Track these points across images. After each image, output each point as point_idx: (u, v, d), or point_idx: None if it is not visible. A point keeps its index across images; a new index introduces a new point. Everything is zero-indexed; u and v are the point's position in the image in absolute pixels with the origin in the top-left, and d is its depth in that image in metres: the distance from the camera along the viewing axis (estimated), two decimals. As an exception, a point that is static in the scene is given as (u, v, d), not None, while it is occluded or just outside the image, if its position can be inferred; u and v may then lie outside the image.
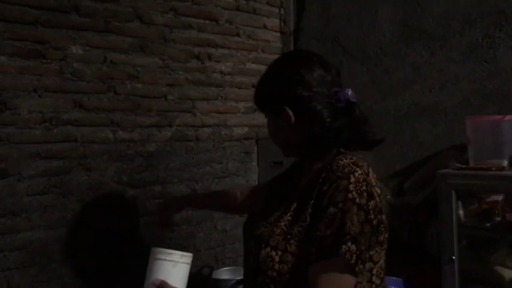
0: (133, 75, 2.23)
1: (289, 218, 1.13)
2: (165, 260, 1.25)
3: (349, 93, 1.15)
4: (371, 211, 1.03)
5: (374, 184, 1.07)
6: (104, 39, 2.15)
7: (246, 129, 2.69)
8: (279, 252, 1.08)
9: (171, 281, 1.20)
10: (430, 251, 2.10)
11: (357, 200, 1.02)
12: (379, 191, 1.09)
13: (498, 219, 1.83)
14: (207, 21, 2.52)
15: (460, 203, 1.87)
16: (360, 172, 1.06)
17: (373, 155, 2.40)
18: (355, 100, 1.16)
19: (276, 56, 2.82)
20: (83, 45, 2.08)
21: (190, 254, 1.25)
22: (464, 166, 1.88)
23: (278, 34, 2.88)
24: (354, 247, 1.00)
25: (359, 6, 2.61)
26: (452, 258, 1.81)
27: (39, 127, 1.97)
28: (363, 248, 1.02)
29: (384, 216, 1.08)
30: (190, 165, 2.43)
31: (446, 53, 2.24)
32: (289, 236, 1.08)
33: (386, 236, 1.10)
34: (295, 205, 1.15)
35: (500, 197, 1.85)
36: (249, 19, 2.72)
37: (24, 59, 1.93)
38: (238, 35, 2.66)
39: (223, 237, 2.55)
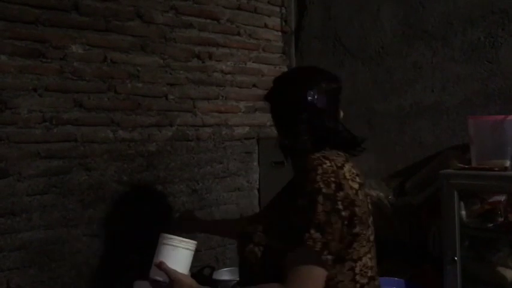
0: (133, 75, 2.22)
1: (271, 215, 1.23)
2: (166, 244, 1.37)
3: (314, 95, 1.26)
4: (339, 202, 1.06)
5: (348, 177, 1.10)
6: (104, 38, 2.14)
7: (247, 128, 2.68)
8: (261, 248, 1.13)
9: (169, 263, 1.32)
10: (432, 252, 2.09)
11: (323, 190, 1.05)
12: (356, 186, 1.10)
13: (500, 219, 1.82)
14: (208, 21, 2.51)
15: (462, 203, 1.86)
16: (328, 164, 1.09)
17: (375, 155, 2.39)
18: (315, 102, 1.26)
19: (277, 55, 2.85)
20: (83, 44, 2.08)
21: (191, 241, 1.37)
22: (466, 166, 1.87)
23: (279, 33, 2.88)
24: (318, 235, 1.03)
25: (360, 5, 2.60)
26: (455, 259, 1.80)
27: (39, 126, 1.96)
28: (330, 237, 1.04)
29: (357, 209, 1.09)
30: (190, 165, 2.43)
31: (448, 52, 2.23)
32: (270, 232, 1.14)
33: (364, 231, 1.12)
34: (276, 202, 1.27)
35: (502, 198, 1.84)
36: (250, 18, 2.71)
37: (24, 58, 1.92)
38: (239, 34, 2.65)
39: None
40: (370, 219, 1.17)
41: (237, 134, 2.63)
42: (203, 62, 2.49)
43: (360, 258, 1.11)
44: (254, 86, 2.72)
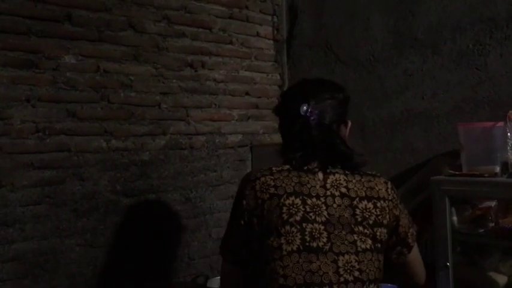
0: (126, 84, 2.23)
1: None
2: None
3: (305, 109, 1.31)
4: (237, 210, 1.26)
5: (258, 189, 1.23)
6: (97, 48, 2.15)
7: (240, 136, 2.69)
8: None
9: None
10: (424, 257, 2.10)
11: (235, 201, 1.30)
12: (265, 196, 1.22)
13: (491, 225, 1.83)
14: (200, 30, 2.53)
15: (453, 209, 1.88)
16: (243, 178, 1.30)
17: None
18: (303, 113, 1.31)
19: (269, 64, 2.87)
20: (76, 54, 2.08)
21: None
22: (457, 172, 1.89)
23: (271, 42, 2.90)
24: (223, 238, 1.34)
25: (351, 14, 2.63)
26: (447, 264, 1.82)
27: (32, 137, 1.96)
28: (227, 238, 1.32)
29: (256, 219, 1.22)
30: (184, 174, 2.43)
31: (438, 60, 2.26)
32: None
33: (270, 239, 1.19)
34: None
35: (493, 203, 1.85)
36: (242, 27, 2.73)
37: (17, 69, 1.93)
38: (231, 42, 2.67)
39: (218, 245, 2.53)
40: (289, 228, 1.18)
41: (230, 142, 2.64)
42: (196, 71, 2.50)
43: (267, 263, 1.18)
44: (247, 94, 2.73)
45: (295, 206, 1.19)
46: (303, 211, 1.19)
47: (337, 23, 2.70)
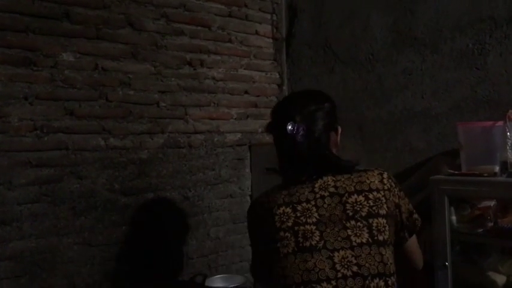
0: (125, 82, 2.22)
1: None
2: None
3: (288, 127, 1.34)
4: (250, 233, 1.42)
5: (258, 207, 1.37)
6: (95, 46, 2.14)
7: (239, 135, 2.68)
8: None
9: None
10: (423, 257, 2.10)
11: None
12: (261, 211, 1.34)
13: (490, 224, 1.83)
14: (199, 28, 2.52)
15: (452, 209, 1.88)
16: (249, 205, 1.46)
17: (366, 161, 2.41)
18: (290, 132, 1.34)
19: (268, 62, 2.86)
20: (74, 52, 2.08)
21: None
22: (456, 172, 1.89)
23: (270, 40, 2.89)
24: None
25: (350, 12, 2.62)
26: (445, 264, 1.82)
27: (30, 135, 1.96)
28: (253, 263, 1.46)
29: (258, 231, 1.36)
30: (182, 172, 2.42)
31: (438, 59, 2.26)
32: None
33: (272, 245, 1.28)
34: None
35: (492, 203, 1.85)
36: (241, 25, 2.72)
37: (14, 67, 1.92)
38: (230, 41, 2.66)
39: (217, 244, 2.54)
40: (283, 234, 1.27)
41: (229, 141, 2.63)
42: (194, 69, 2.49)
43: (272, 266, 1.27)
44: (246, 92, 2.73)
45: (286, 214, 1.28)
46: (293, 217, 1.27)
47: (336, 21, 2.69)
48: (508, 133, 1.76)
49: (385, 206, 1.28)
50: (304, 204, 1.28)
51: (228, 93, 2.64)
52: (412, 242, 1.44)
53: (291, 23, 2.93)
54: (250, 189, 2.71)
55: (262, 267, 1.36)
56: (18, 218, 1.92)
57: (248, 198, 2.71)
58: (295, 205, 1.29)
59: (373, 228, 1.24)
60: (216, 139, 2.57)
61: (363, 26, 2.56)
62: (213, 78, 2.57)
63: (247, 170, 2.72)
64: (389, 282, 1.22)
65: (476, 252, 1.90)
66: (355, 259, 1.20)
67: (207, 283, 2.24)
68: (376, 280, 1.20)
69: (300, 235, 1.24)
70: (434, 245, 1.87)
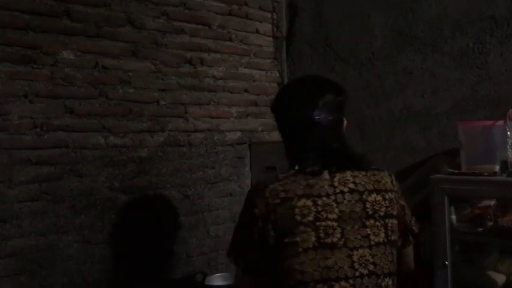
0: (125, 80, 2.22)
1: None
2: None
3: (321, 116, 1.31)
4: (249, 218, 1.26)
5: (268, 196, 1.23)
6: (96, 44, 2.13)
7: (239, 134, 2.68)
8: None
9: None
10: (423, 256, 2.10)
11: (242, 209, 1.31)
12: (276, 201, 1.22)
13: (490, 224, 1.83)
14: (200, 26, 2.52)
15: (452, 208, 1.87)
16: (251, 189, 1.32)
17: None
18: (317, 118, 1.31)
19: (269, 61, 2.86)
20: (75, 50, 2.07)
21: None
22: (456, 171, 1.89)
23: (270, 39, 2.89)
24: (230, 246, 1.33)
25: (351, 11, 2.62)
26: (445, 263, 1.82)
27: (30, 133, 1.95)
28: (236, 246, 1.31)
29: (271, 224, 1.22)
30: (182, 171, 2.42)
31: (438, 58, 2.25)
32: None
33: (288, 238, 1.20)
34: None
35: (492, 202, 1.85)
36: (241, 24, 2.72)
37: (15, 65, 1.92)
38: (230, 39, 2.66)
39: (216, 242, 2.54)
40: (304, 228, 1.21)
41: (228, 139, 2.63)
42: (195, 68, 2.49)
43: (284, 259, 1.20)
44: (246, 91, 2.73)
45: (306, 208, 1.21)
46: (314, 211, 1.21)
47: (336, 20, 2.69)
48: (508, 132, 1.76)
49: (395, 207, 1.30)
50: (324, 199, 1.23)
51: (228, 92, 2.64)
52: (412, 246, 1.45)
53: (291, 21, 2.92)
54: (249, 188, 2.71)
55: (258, 261, 1.27)
56: (18, 216, 1.91)
57: (248, 196, 2.70)
58: (316, 198, 1.22)
59: (388, 228, 1.26)
60: (216, 137, 2.57)
61: (363, 24, 2.55)
62: (213, 76, 2.57)
63: (247, 168, 2.72)
64: (395, 281, 1.26)
65: (476, 251, 1.90)
66: (372, 258, 1.21)
67: (207, 281, 2.25)
68: (387, 279, 1.22)
69: (321, 231, 1.20)
70: (434, 244, 1.87)
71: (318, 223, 1.20)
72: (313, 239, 1.19)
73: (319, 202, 1.22)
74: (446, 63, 2.23)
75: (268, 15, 2.88)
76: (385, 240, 1.25)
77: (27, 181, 1.94)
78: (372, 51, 2.52)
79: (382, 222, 1.25)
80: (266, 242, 1.22)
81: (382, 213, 1.26)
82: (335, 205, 1.22)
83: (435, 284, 1.85)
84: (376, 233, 1.23)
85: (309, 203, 1.22)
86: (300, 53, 2.88)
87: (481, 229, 1.83)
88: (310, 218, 1.20)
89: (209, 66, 2.55)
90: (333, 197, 1.23)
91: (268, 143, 2.75)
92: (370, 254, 1.21)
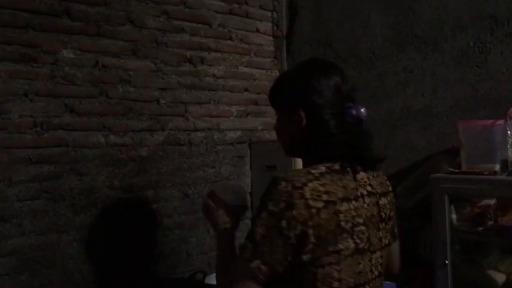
0: (125, 79, 2.22)
1: None
2: None
3: (362, 111, 1.21)
4: (283, 220, 1.06)
5: (309, 197, 1.07)
6: (96, 43, 2.13)
7: (239, 133, 2.68)
8: None
9: None
10: (423, 255, 2.10)
11: (270, 207, 1.08)
12: (319, 205, 1.08)
13: (490, 223, 1.83)
14: (200, 25, 2.51)
15: (452, 207, 1.88)
16: (283, 185, 1.09)
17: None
18: (365, 118, 1.22)
19: (269, 60, 2.86)
20: (75, 49, 2.07)
21: None
22: (456, 170, 1.89)
23: (271, 38, 2.88)
24: (250, 245, 1.08)
25: (351, 10, 2.62)
26: (445, 262, 1.82)
27: (30, 132, 1.95)
28: (265, 249, 1.07)
29: (311, 230, 1.07)
30: (182, 170, 2.42)
31: (438, 57, 2.25)
32: None
33: (330, 247, 1.10)
34: None
35: (492, 201, 1.85)
36: (241, 23, 2.72)
37: (15, 63, 1.91)
38: (230, 38, 2.66)
39: (217, 241, 2.53)
40: (346, 235, 1.12)
41: (229, 138, 2.63)
42: (195, 67, 2.49)
43: (322, 266, 1.09)
44: (246, 90, 2.73)
45: (348, 212, 1.13)
46: (351, 216, 1.14)
47: (337, 19, 2.69)
48: (509, 131, 1.76)
49: (393, 208, 1.31)
50: (354, 202, 1.15)
51: (228, 91, 2.64)
52: (397, 247, 1.42)
53: (292, 20, 2.92)
54: (250, 187, 2.72)
55: (284, 266, 1.08)
56: (18, 215, 1.91)
57: (248, 195, 2.70)
58: (352, 202, 1.15)
59: (390, 230, 1.28)
60: (216, 136, 2.57)
61: (364, 23, 2.55)
62: (214, 75, 2.57)
63: (247, 167, 2.72)
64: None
65: (476, 250, 1.90)
66: (381, 259, 1.22)
67: (207, 280, 2.24)
68: (381, 279, 1.23)
69: (355, 236, 1.14)
70: (434, 243, 1.87)
71: (355, 228, 1.14)
72: (352, 245, 1.13)
73: (352, 205, 1.15)
74: (446, 63, 2.23)
75: (269, 14, 2.88)
76: (388, 242, 1.26)
77: (27, 180, 1.94)
78: (372, 51, 2.52)
79: (388, 224, 1.26)
80: (302, 249, 1.07)
81: (388, 216, 1.26)
82: (362, 209, 1.17)
83: (435, 283, 1.85)
84: (385, 236, 1.24)
85: (350, 207, 1.14)
86: (300, 52, 2.88)
87: (481, 228, 1.84)
88: (350, 224, 1.13)
89: (209, 65, 2.55)
90: (360, 200, 1.18)
91: (268, 142, 2.75)
92: (381, 256, 1.21)
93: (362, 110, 1.21)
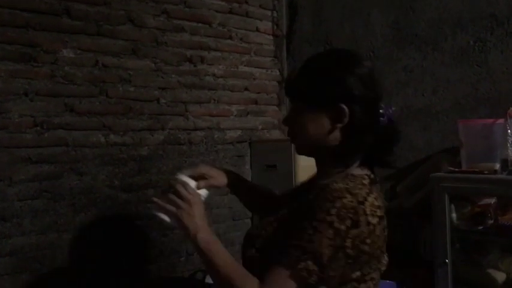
0: (125, 79, 2.22)
1: (275, 224, 1.15)
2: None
3: (391, 111, 1.13)
4: (349, 239, 0.98)
5: (368, 213, 1.00)
6: (96, 42, 2.13)
7: (239, 132, 2.68)
8: (261, 255, 1.10)
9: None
10: (423, 254, 2.11)
11: (335, 224, 0.97)
12: (375, 221, 1.01)
13: (490, 222, 1.83)
14: (200, 24, 2.51)
15: (452, 206, 1.88)
16: (349, 199, 1.00)
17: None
18: (393, 119, 1.14)
19: (269, 59, 2.85)
20: (75, 48, 2.07)
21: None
22: (456, 169, 1.89)
23: (271, 37, 2.88)
24: (315, 268, 0.97)
25: (351, 9, 2.62)
26: (445, 261, 1.82)
27: (30, 131, 1.95)
28: (333, 274, 0.98)
29: (367, 247, 1.01)
30: (183, 169, 2.41)
31: (438, 56, 2.25)
32: (271, 242, 1.10)
33: (376, 264, 1.06)
34: (283, 212, 1.17)
35: (492, 200, 1.85)
36: (241, 22, 2.71)
37: (15, 63, 1.91)
38: (230, 37, 2.65)
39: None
40: (383, 250, 1.09)
41: (229, 138, 2.63)
42: (195, 66, 2.49)
43: (364, 282, 1.05)
44: (246, 89, 2.72)
45: (386, 227, 1.08)
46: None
47: (337, 18, 2.69)
48: (509, 130, 1.77)
49: None
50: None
51: (228, 90, 2.64)
52: None
53: (292, 19, 2.92)
54: (250, 186, 2.71)
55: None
56: (18, 214, 1.91)
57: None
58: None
59: None
60: (216, 136, 2.57)
61: (364, 23, 2.55)
62: (214, 75, 2.57)
63: (247, 166, 2.72)
64: None
65: (476, 249, 1.90)
66: None
67: (207, 280, 2.25)
68: None
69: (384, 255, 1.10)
70: (435, 242, 1.87)
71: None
72: (387, 259, 1.11)
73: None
74: (446, 62, 2.23)
75: (269, 13, 2.88)
76: None
77: (27, 179, 1.94)
78: (372, 50, 2.52)
79: None
80: (355, 267, 1.02)
81: None
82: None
83: (435, 282, 1.85)
84: None
85: (385, 220, 1.07)
86: (300, 51, 2.88)
87: (481, 227, 1.84)
88: (386, 238, 1.09)
89: (209, 65, 2.55)
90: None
91: (268, 141, 2.75)
92: None
93: (391, 110, 1.13)
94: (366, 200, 1.01)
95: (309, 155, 1.19)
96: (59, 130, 2.03)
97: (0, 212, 1.87)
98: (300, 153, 1.20)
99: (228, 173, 1.43)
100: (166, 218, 1.20)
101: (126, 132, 2.22)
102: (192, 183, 1.21)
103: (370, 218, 1.00)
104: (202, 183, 1.26)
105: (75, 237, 2.06)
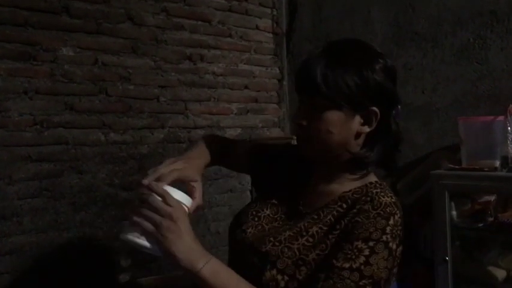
0: (125, 77, 2.22)
1: (305, 242, 0.99)
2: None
3: (399, 111, 1.07)
4: (397, 258, 0.93)
5: (401, 227, 0.96)
6: (95, 40, 2.13)
7: (239, 130, 2.68)
8: (285, 278, 0.96)
9: None
10: (423, 252, 2.10)
11: (390, 244, 0.91)
12: (402, 234, 0.97)
13: (491, 219, 1.83)
14: (199, 22, 2.51)
15: (453, 204, 1.88)
16: (399, 215, 0.95)
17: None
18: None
19: (269, 57, 2.85)
20: (74, 46, 2.07)
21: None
22: (457, 167, 1.89)
23: (270, 35, 2.88)
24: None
25: (351, 7, 2.61)
26: (446, 259, 1.82)
27: (30, 130, 1.95)
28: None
29: (396, 263, 0.95)
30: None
31: (438, 54, 2.25)
32: (301, 262, 0.96)
33: (391, 279, 0.99)
34: (314, 229, 1.00)
35: (492, 198, 1.85)
36: (241, 20, 2.71)
37: (14, 61, 1.91)
38: (230, 36, 2.65)
39: (217, 239, 2.54)
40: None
41: (229, 136, 2.62)
42: (195, 64, 2.48)
43: None
44: (246, 87, 2.72)
45: None
46: None
47: (337, 16, 2.68)
48: (509, 128, 1.76)
49: None
50: None
51: (228, 88, 2.63)
52: None
53: (292, 17, 2.92)
54: (250, 184, 2.71)
55: None
56: (18, 213, 1.92)
57: (248, 193, 2.71)
58: None
59: None
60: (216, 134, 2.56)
61: (364, 20, 2.55)
62: (213, 73, 2.56)
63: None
64: None
65: (476, 247, 1.90)
66: None
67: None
68: None
69: None
70: (435, 239, 1.87)
71: None
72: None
73: None
74: (446, 59, 2.23)
75: (268, 11, 2.87)
76: None
77: (27, 178, 1.94)
78: (372, 47, 2.51)
79: None
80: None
81: None
82: None
83: (436, 279, 1.85)
84: None
85: None
86: (300, 49, 2.87)
87: (481, 224, 1.84)
88: None
89: (209, 63, 2.55)
90: None
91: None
92: None
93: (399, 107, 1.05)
94: (396, 214, 0.96)
95: (321, 159, 1.06)
96: (58, 128, 2.03)
97: (0, 211, 1.87)
98: (310, 157, 1.06)
99: (197, 165, 1.17)
100: (143, 242, 0.91)
101: (126, 130, 2.22)
102: (176, 192, 0.95)
103: (400, 232, 0.95)
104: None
105: (76, 236, 2.06)
